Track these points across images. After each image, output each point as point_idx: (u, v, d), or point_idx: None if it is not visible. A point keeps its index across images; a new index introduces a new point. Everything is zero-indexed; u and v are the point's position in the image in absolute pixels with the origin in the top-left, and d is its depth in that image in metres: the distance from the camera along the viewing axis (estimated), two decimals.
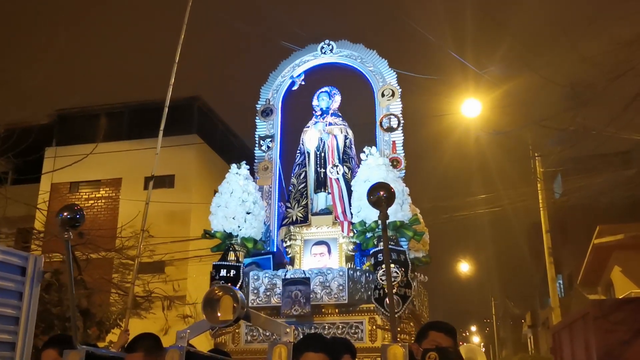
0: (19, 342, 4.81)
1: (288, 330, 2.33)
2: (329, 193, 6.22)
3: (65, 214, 2.64)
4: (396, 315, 4.89)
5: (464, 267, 32.00)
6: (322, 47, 6.88)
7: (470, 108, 11.10)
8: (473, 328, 48.32)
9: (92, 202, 17.68)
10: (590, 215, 15.39)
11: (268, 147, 6.62)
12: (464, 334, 50.42)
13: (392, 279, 4.97)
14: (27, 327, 4.93)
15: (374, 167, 5.54)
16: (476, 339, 45.50)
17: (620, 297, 12.45)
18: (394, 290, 4.95)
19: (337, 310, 5.24)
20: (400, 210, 5.40)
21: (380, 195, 2.52)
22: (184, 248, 13.82)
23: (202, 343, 5.49)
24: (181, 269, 14.15)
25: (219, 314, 2.35)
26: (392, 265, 5.05)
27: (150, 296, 11.27)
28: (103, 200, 17.63)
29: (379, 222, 5.15)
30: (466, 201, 15.17)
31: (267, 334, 5.25)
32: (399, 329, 4.99)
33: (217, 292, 2.38)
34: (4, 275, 4.84)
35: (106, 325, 9.50)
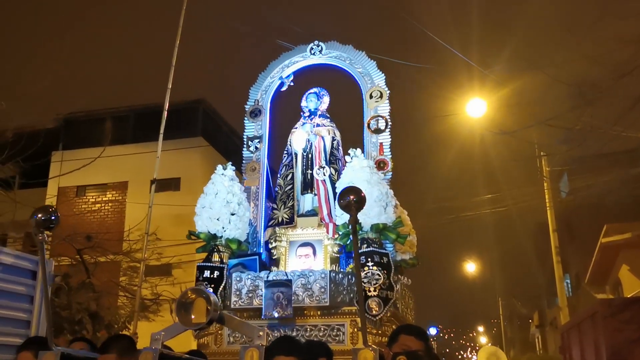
0: None
1: (261, 333, 2.31)
2: (315, 194, 6.16)
3: (39, 215, 2.61)
4: (377, 318, 4.89)
5: (470, 268, 31.93)
6: (312, 48, 6.79)
7: (476, 108, 11.06)
8: (480, 328, 48.19)
9: (99, 205, 17.77)
10: (597, 214, 15.32)
11: (256, 147, 6.56)
12: (471, 335, 50.30)
13: (375, 282, 4.98)
14: (38, 331, 4.99)
15: (358, 169, 5.49)
16: (483, 340, 45.38)
17: (628, 296, 12.40)
18: (376, 293, 4.94)
19: (318, 313, 5.18)
20: (384, 213, 5.36)
21: (350, 200, 2.49)
22: (191, 251, 13.83)
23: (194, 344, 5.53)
24: (188, 271, 14.15)
25: (192, 317, 2.34)
26: (375, 268, 5.04)
27: (158, 299, 11.33)
28: (110, 204, 17.72)
29: (361, 224, 5.20)
30: (472, 201, 15.13)
31: None
32: (380, 331, 5.00)
33: (190, 294, 2.37)
34: (16, 279, 4.91)
35: (115, 328, 9.57)
